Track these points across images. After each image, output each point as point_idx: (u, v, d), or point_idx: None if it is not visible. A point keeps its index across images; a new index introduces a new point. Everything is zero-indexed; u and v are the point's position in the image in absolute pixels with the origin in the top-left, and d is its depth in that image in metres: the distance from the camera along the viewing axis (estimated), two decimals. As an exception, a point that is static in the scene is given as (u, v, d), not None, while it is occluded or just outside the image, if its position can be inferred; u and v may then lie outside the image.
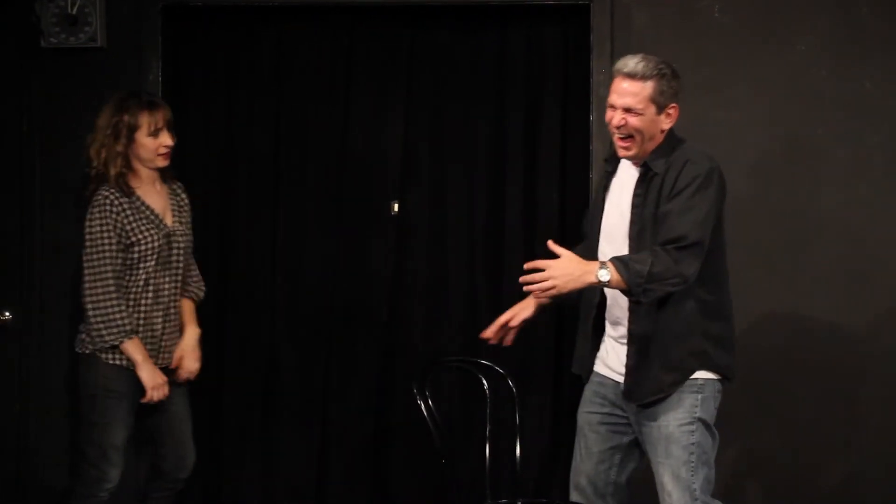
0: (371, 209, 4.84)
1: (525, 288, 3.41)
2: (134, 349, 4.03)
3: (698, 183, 3.48)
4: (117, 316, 4.01)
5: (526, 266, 3.42)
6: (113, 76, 4.72)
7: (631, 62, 3.55)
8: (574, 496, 3.80)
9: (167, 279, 4.16)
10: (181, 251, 4.20)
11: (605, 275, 3.38)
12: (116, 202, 4.06)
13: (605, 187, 3.74)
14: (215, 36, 4.87)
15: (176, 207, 4.25)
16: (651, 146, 3.58)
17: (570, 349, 4.02)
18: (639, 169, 3.62)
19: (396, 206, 4.82)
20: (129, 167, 4.14)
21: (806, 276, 4.56)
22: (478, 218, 4.83)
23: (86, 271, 4.05)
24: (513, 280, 4.37)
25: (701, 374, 3.61)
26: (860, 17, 4.52)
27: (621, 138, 3.58)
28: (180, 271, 4.20)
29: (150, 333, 4.12)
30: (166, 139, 4.15)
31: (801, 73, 4.55)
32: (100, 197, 4.07)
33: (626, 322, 3.63)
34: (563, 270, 3.39)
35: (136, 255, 4.08)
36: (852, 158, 4.54)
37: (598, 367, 3.79)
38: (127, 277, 4.08)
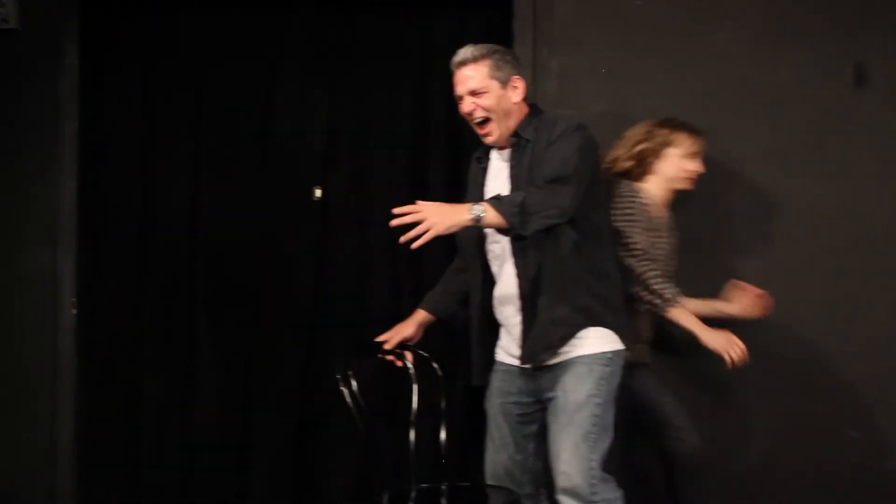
0: (294, 195, 4.79)
1: (404, 237, 3.39)
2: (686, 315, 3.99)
3: (569, 132, 3.57)
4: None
5: (395, 210, 3.40)
6: (27, 59, 4.62)
7: (461, 52, 3.69)
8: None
9: None
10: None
11: (478, 209, 3.39)
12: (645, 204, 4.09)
13: (481, 184, 3.77)
14: (136, 20, 4.79)
15: None
16: (512, 123, 3.66)
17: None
18: (509, 149, 3.67)
19: (319, 192, 4.79)
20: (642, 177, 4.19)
21: (734, 264, 4.58)
22: (400, 203, 4.79)
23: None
24: (434, 265, 4.39)
25: (608, 347, 3.63)
26: (782, 4, 4.58)
27: (479, 125, 3.67)
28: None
29: None
30: (697, 166, 4.22)
31: (722, 61, 4.58)
32: (636, 195, 4.08)
33: (514, 292, 3.62)
34: (435, 210, 3.41)
35: None
36: (770, 144, 4.59)
37: (502, 357, 3.79)
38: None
